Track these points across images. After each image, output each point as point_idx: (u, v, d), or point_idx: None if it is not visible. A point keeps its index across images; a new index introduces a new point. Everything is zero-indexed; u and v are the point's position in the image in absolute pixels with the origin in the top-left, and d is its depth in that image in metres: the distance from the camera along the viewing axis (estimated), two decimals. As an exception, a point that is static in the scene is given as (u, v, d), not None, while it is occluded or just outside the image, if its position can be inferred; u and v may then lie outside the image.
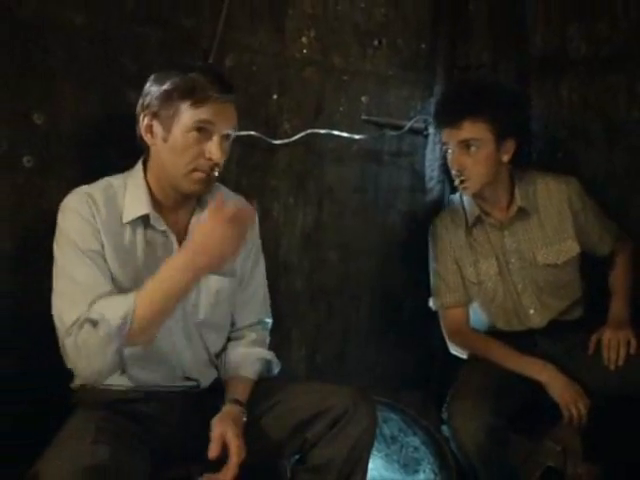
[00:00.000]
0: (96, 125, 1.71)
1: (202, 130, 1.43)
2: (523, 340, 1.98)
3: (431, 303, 2.10)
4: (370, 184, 2.30)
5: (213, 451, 1.38)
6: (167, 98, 1.43)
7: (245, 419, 1.47)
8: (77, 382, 1.47)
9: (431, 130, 2.33)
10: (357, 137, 2.17)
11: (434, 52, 2.39)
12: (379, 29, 2.27)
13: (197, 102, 1.42)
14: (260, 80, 2.02)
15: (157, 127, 1.46)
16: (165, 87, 1.44)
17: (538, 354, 1.91)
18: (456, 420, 1.72)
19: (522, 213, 2.00)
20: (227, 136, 1.48)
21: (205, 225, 1.33)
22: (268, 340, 1.73)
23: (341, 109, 2.19)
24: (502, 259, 2.02)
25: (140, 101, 1.49)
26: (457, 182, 1.94)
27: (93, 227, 1.41)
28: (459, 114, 1.88)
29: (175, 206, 1.53)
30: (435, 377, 2.35)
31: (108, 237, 1.42)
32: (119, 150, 1.67)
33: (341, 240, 2.25)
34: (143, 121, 1.47)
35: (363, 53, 2.24)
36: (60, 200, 1.44)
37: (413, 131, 2.33)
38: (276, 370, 1.69)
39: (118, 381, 1.47)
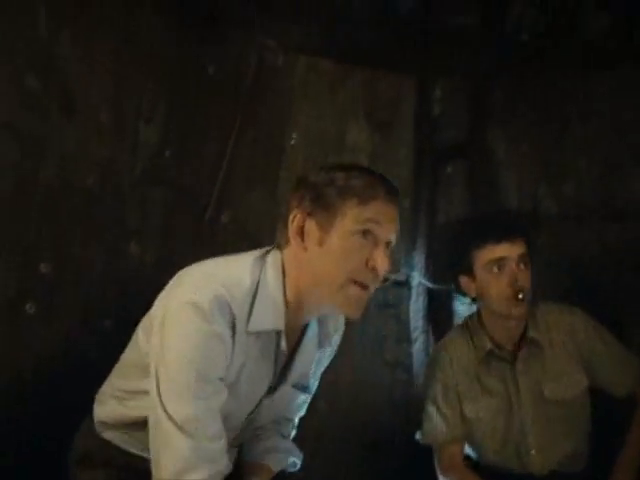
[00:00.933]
0: (99, 276, 1.80)
1: (367, 234, 1.24)
2: None
3: (420, 436, 1.97)
4: (356, 335, 2.37)
5: None
6: (328, 194, 1.26)
7: None
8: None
9: (414, 282, 2.45)
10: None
11: (416, 209, 2.55)
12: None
13: (365, 200, 1.24)
14: (254, 236, 2.13)
15: (312, 228, 1.26)
16: (324, 185, 1.27)
17: None
18: None
19: (534, 346, 1.89)
20: (389, 244, 1.29)
21: None
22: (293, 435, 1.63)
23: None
24: (513, 396, 1.89)
25: (293, 202, 1.31)
26: (514, 302, 1.79)
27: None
28: (515, 231, 1.85)
29: (295, 325, 1.35)
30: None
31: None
32: (120, 299, 1.75)
33: (328, 389, 2.27)
34: (293, 222, 1.28)
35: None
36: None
37: (398, 283, 2.45)
38: (296, 467, 1.57)
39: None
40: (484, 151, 2.20)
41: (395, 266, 2.45)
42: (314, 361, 1.48)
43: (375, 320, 2.42)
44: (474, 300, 1.97)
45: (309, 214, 1.27)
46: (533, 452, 1.88)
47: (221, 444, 1.21)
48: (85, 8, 1.81)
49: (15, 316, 1.65)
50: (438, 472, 1.95)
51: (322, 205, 1.26)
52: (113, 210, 1.84)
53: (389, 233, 1.28)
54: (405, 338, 2.47)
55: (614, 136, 2.29)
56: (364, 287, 1.26)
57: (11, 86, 1.62)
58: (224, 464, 1.21)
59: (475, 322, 1.98)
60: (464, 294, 1.99)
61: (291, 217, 1.29)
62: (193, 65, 2.07)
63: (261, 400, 1.38)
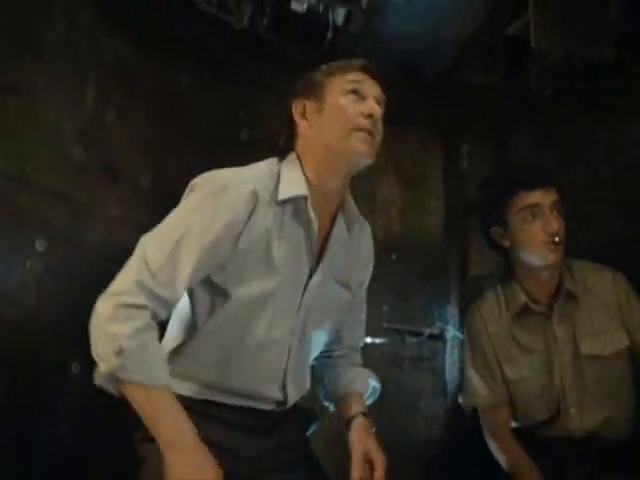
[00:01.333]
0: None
1: (354, 92, 1.44)
2: (557, 452, 1.82)
3: (462, 400, 1.96)
4: (393, 388, 2.38)
5: (358, 472, 1.41)
6: (311, 79, 1.50)
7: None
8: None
9: (449, 335, 2.46)
10: (379, 342, 2.31)
11: (448, 261, 2.59)
12: (396, 243, 2.50)
13: (345, 71, 1.46)
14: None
15: (310, 107, 1.47)
16: (312, 74, 1.51)
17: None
18: None
19: (570, 299, 1.85)
20: (378, 100, 1.46)
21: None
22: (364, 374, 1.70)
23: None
24: (552, 350, 1.85)
25: (292, 98, 1.51)
26: (549, 247, 1.78)
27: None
28: (548, 179, 1.85)
29: (324, 201, 1.49)
30: None
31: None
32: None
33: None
34: (297, 109, 1.49)
35: (382, 266, 2.45)
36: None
37: (432, 336, 2.47)
38: (377, 392, 1.68)
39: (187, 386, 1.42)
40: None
41: (429, 319, 2.48)
42: (349, 253, 1.58)
43: (410, 374, 2.44)
44: (506, 253, 1.94)
45: (306, 98, 1.49)
46: (573, 411, 1.83)
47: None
48: (127, 81, 1.93)
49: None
50: (485, 435, 1.93)
51: (313, 87, 1.49)
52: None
53: (374, 89, 1.47)
54: (441, 391, 2.47)
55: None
56: (368, 132, 1.42)
57: (62, 158, 1.72)
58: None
59: (507, 278, 1.95)
60: (497, 247, 1.95)
61: (294, 107, 1.50)
62: (228, 128, 2.17)
63: (306, 287, 1.47)
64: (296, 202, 1.45)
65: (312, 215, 1.45)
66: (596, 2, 2.07)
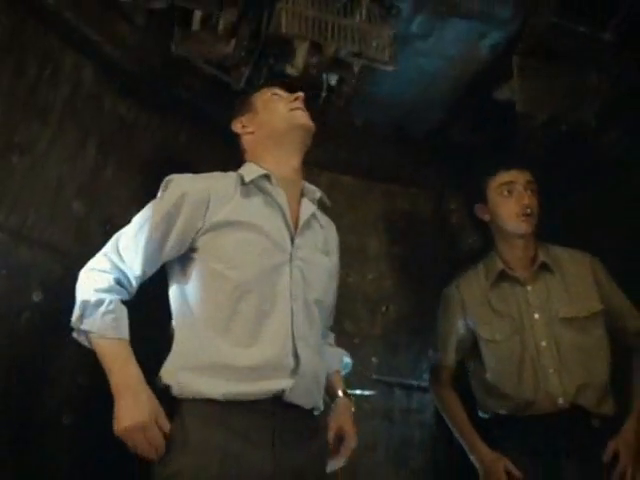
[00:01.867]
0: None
1: (278, 97, 1.77)
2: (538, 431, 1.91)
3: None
4: (382, 439, 2.39)
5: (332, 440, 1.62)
6: (243, 100, 1.83)
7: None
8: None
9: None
10: (368, 394, 2.33)
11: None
12: (387, 297, 2.54)
13: (267, 85, 1.82)
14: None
15: (246, 117, 1.79)
16: (240, 100, 1.85)
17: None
18: None
19: (545, 270, 2.06)
20: (300, 96, 1.76)
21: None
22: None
23: (352, 369, 2.38)
24: (525, 316, 2.01)
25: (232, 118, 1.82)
26: (521, 218, 2.05)
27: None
28: (522, 162, 2.14)
29: (285, 185, 1.68)
30: None
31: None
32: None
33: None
34: (236, 127, 1.80)
35: (373, 318, 2.49)
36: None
37: (421, 389, 2.48)
38: (349, 367, 1.88)
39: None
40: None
41: (418, 372, 2.50)
42: (319, 224, 1.78)
43: (400, 426, 2.44)
44: (487, 228, 2.21)
45: (241, 115, 1.80)
46: (551, 371, 1.93)
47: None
48: (127, 138, 2.00)
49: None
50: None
51: (245, 104, 1.81)
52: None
53: (293, 92, 1.76)
54: (430, 445, 2.47)
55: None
56: (299, 108, 1.73)
57: (62, 212, 1.78)
58: None
59: (488, 253, 2.19)
60: (480, 222, 2.23)
61: (234, 127, 1.80)
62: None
63: (292, 254, 1.59)
64: (260, 183, 1.65)
65: (278, 188, 1.65)
66: (579, 68, 2.17)
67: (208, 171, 1.77)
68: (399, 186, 2.61)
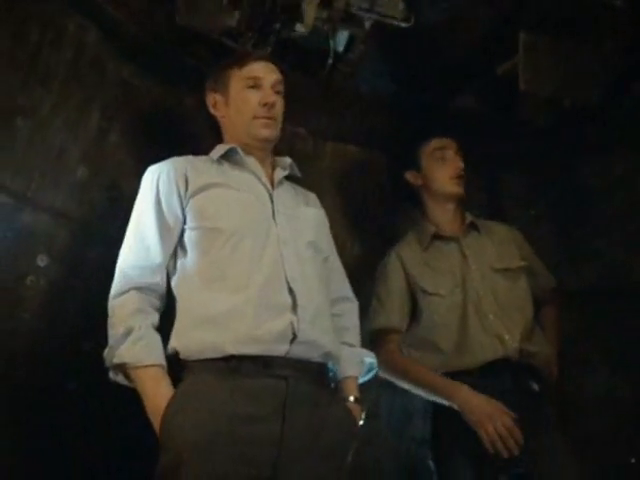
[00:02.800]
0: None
1: (253, 87, 1.70)
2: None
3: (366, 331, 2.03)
4: (384, 410, 2.40)
5: None
6: (219, 73, 1.76)
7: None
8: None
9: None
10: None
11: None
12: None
13: (241, 65, 1.72)
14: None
15: (219, 99, 1.75)
16: (215, 70, 1.78)
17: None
18: None
19: (474, 229, 2.18)
20: (277, 89, 1.72)
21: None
22: (358, 326, 1.80)
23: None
24: (463, 268, 2.08)
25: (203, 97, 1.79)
26: (454, 182, 2.14)
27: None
28: (451, 129, 2.23)
29: (257, 157, 1.71)
30: None
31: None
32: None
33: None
34: (209, 101, 1.77)
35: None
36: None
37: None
38: (374, 368, 1.79)
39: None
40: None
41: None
42: (294, 188, 1.80)
43: (402, 397, 2.45)
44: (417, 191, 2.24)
45: (215, 92, 1.76)
46: (491, 317, 1.99)
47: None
48: (131, 103, 1.98)
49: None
50: (377, 358, 1.94)
51: (219, 82, 1.75)
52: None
53: (270, 77, 1.72)
54: (430, 414, 2.48)
55: (635, 215, 2.35)
56: (267, 118, 1.69)
57: (66, 177, 1.78)
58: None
59: (419, 218, 2.25)
60: (411, 189, 2.27)
61: (207, 100, 1.78)
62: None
63: (273, 204, 1.63)
64: (230, 157, 1.70)
65: (248, 156, 1.69)
66: (584, 47, 2.14)
67: (213, 138, 1.77)
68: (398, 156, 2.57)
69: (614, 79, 2.16)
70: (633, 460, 2.14)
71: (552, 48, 2.08)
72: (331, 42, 2.19)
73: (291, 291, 1.51)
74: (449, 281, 2.07)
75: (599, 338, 2.35)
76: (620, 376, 2.28)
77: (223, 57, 2.04)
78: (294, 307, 1.49)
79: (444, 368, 1.97)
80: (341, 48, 2.24)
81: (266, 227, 1.58)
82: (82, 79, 1.83)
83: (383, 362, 1.96)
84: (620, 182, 2.39)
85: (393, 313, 2.09)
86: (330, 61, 2.24)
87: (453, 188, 2.16)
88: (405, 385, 2.06)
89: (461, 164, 2.17)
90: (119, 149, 1.93)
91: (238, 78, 1.72)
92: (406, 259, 2.14)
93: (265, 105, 1.68)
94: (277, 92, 1.73)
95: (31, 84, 1.68)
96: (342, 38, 2.22)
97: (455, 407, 1.87)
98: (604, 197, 2.43)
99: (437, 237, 2.16)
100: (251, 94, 1.70)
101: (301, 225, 1.65)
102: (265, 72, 1.72)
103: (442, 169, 2.18)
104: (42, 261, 1.69)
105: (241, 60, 1.74)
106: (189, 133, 2.10)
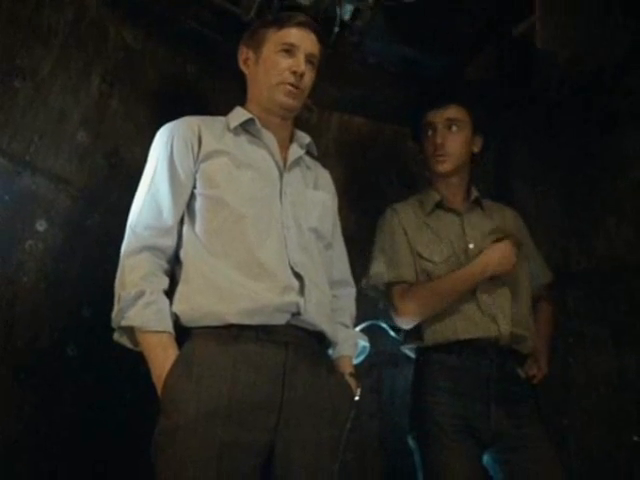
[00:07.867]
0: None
1: (287, 51, 1.64)
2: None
3: (364, 283, 2.04)
4: (387, 384, 2.39)
5: None
6: (256, 29, 1.71)
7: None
8: None
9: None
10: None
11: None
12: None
13: (280, 26, 1.66)
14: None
15: (250, 55, 1.71)
16: (254, 25, 1.74)
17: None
18: None
19: (478, 206, 2.13)
20: (310, 59, 1.67)
21: None
22: (355, 311, 1.80)
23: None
24: (460, 243, 2.03)
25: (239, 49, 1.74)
26: (438, 158, 2.06)
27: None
28: (447, 99, 2.11)
29: (272, 130, 1.68)
30: None
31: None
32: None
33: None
34: (240, 56, 1.72)
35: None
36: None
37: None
38: (366, 351, 1.79)
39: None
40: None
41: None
42: (307, 166, 1.77)
43: (405, 370, 2.43)
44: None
45: (247, 46, 1.72)
46: (485, 296, 1.96)
47: None
48: (133, 69, 1.95)
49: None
50: (395, 312, 2.01)
51: (254, 37, 1.71)
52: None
53: (306, 45, 1.65)
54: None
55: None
56: (293, 86, 1.63)
57: (66, 142, 1.74)
58: None
59: (424, 188, 2.20)
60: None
61: (239, 54, 1.73)
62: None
63: (282, 187, 1.61)
64: (247, 127, 1.66)
65: (265, 130, 1.65)
66: (603, 5, 2.07)
67: (216, 104, 1.73)
68: (408, 128, 2.53)
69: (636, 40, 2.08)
70: (635, 438, 2.12)
71: (571, 5, 2.01)
72: (337, 9, 2.15)
73: (297, 276, 1.51)
74: (445, 249, 2.04)
75: (608, 317, 2.32)
76: (629, 355, 2.26)
77: (225, 22, 2.02)
78: (301, 289, 1.50)
79: (433, 335, 1.97)
80: (347, 16, 2.19)
81: (271, 208, 1.57)
82: (83, 42, 1.79)
83: (408, 301, 1.97)
84: (630, 159, 2.34)
85: (403, 267, 2.02)
86: (336, 29, 2.19)
87: (436, 166, 2.10)
88: (438, 304, 1.95)
89: (438, 141, 2.06)
90: (120, 115, 1.89)
91: (274, 40, 1.66)
92: (405, 220, 2.10)
93: (294, 73, 1.63)
94: (310, 62, 1.67)
95: (31, 44, 1.64)
96: (349, 6, 2.17)
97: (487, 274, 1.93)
98: (614, 174, 2.38)
99: (440, 207, 2.12)
100: (283, 59, 1.64)
101: (306, 209, 1.64)
102: (302, 40, 1.66)
103: (426, 146, 2.13)
104: (41, 226, 1.66)
105: (281, 22, 1.68)
106: (192, 98, 2.07)
